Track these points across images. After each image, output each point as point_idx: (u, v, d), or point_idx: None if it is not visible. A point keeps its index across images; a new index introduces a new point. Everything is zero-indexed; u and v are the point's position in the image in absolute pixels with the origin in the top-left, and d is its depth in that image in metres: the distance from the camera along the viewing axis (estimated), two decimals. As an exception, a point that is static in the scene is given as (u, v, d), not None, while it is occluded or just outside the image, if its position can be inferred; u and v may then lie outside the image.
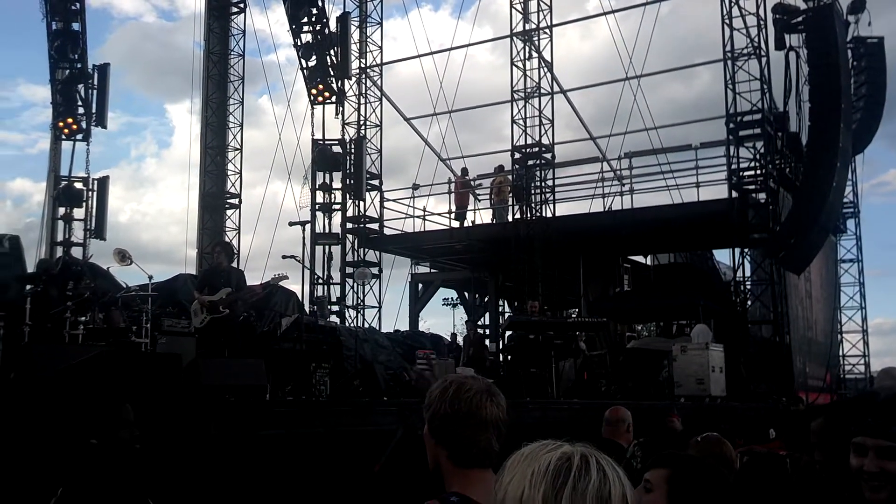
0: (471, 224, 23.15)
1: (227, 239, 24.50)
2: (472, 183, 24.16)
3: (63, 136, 19.26)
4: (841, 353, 27.72)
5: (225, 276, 10.90)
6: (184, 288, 14.46)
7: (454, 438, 2.39)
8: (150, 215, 63.93)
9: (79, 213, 19.26)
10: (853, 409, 2.85)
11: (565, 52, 38.53)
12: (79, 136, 19.12)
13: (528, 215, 20.34)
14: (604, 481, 1.58)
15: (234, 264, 11.86)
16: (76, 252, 18.69)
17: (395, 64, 27.04)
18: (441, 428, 2.42)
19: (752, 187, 18.95)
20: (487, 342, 20.84)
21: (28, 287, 11.32)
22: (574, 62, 38.58)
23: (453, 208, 23.39)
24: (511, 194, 21.65)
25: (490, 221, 22.87)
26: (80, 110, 19.10)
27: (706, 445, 4.43)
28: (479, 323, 24.09)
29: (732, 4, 19.13)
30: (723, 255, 24.96)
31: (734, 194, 18.84)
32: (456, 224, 23.18)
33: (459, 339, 21.95)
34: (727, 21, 19.25)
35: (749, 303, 19.79)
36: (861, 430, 2.38)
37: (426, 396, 2.50)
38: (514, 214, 21.11)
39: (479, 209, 23.77)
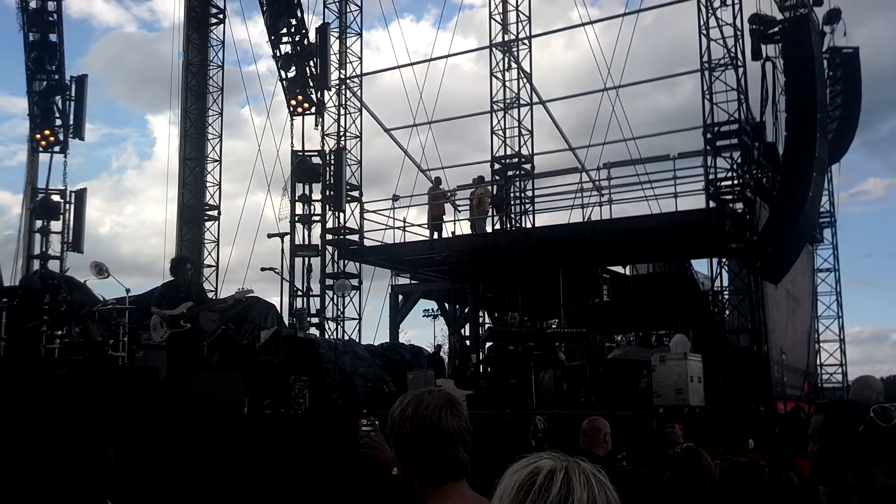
0: (450, 235, 23.16)
1: (206, 251, 24.44)
2: (447, 194, 24.16)
3: (40, 149, 19.15)
4: (818, 363, 27.89)
5: (185, 290, 10.89)
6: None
7: (420, 457, 2.37)
8: (131, 227, 63.62)
9: (56, 225, 19.13)
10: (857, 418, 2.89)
11: (549, 62, 38.72)
12: (56, 149, 19.04)
13: (508, 226, 20.38)
14: (566, 497, 1.58)
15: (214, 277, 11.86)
16: (53, 265, 18.58)
17: (377, 74, 27.11)
18: (406, 448, 2.39)
19: (730, 197, 19.06)
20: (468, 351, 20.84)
21: (3, 301, 11.21)
22: (558, 72, 38.78)
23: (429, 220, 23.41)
24: (491, 205, 21.68)
25: (469, 232, 22.88)
26: (58, 122, 19.01)
27: (684, 456, 4.46)
28: (464, 334, 24.11)
29: (709, 15, 19.27)
30: (701, 265, 25.14)
31: (712, 204, 18.94)
32: (434, 235, 23.18)
33: (442, 352, 21.95)
34: (704, 32, 19.36)
35: (727, 312, 19.89)
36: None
37: (388, 419, 2.48)
38: (493, 225, 21.15)
39: (458, 220, 23.78)
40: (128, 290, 11.96)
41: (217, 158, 25.03)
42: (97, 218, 61.95)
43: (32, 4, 18.34)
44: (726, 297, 19.99)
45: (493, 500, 1.66)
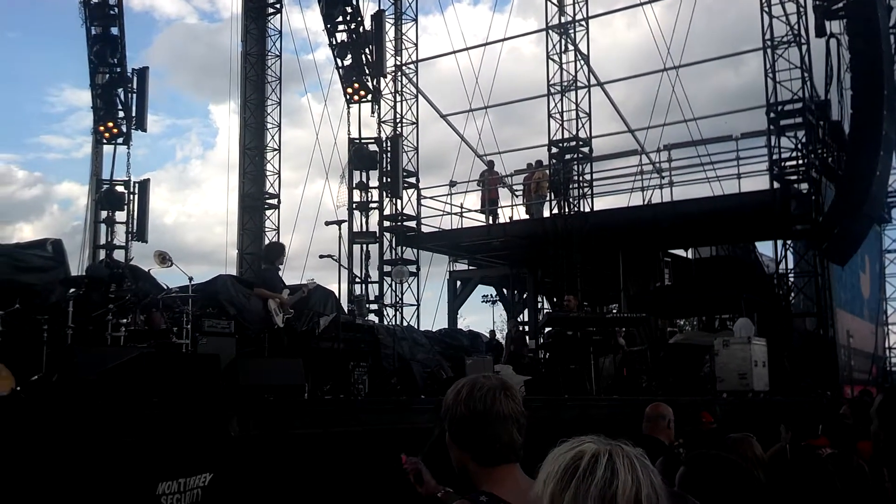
0: (508, 220, 23.07)
1: (266, 239, 24.74)
2: (504, 179, 24.10)
3: (104, 140, 19.55)
4: (887, 346, 27.21)
5: (280, 278, 11.19)
6: (223, 289, 14.56)
7: (475, 439, 2.38)
8: (195, 216, 64.68)
9: (121, 216, 19.51)
10: None
11: (611, 43, 38.12)
12: (119, 140, 19.42)
13: (567, 210, 20.20)
14: (610, 481, 1.57)
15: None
16: (118, 255, 18.98)
17: (435, 60, 27.08)
18: (461, 431, 2.41)
19: (795, 177, 18.65)
20: (527, 339, 20.76)
21: (71, 290, 11.46)
22: (621, 52, 38.27)
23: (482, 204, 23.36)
24: (549, 189, 21.50)
25: (526, 217, 22.77)
26: (121, 114, 19.37)
27: (731, 445, 4.39)
28: (521, 320, 24.05)
29: (771, -9, 18.85)
30: (765, 248, 24.65)
31: (776, 185, 18.55)
32: (490, 220, 23.13)
33: (499, 336, 21.89)
34: (766, 9, 18.97)
35: (792, 295, 19.48)
36: None
37: (442, 403, 2.49)
38: (551, 209, 20.98)
39: (515, 205, 23.67)
40: (191, 279, 12.14)
41: (276, 147, 25.29)
42: (163, 208, 63.16)
43: (94, -1, 18.68)
44: (792, 279, 19.57)
45: (537, 485, 1.65)
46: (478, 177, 23.96)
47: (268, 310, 10.82)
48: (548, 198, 21.58)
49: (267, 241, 24.71)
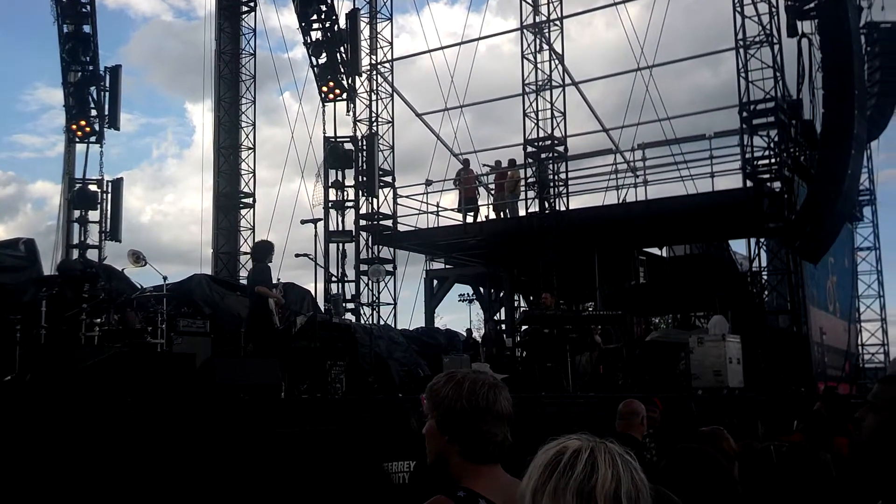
0: (484, 219, 23.09)
1: (241, 239, 24.63)
2: (479, 178, 24.12)
3: (76, 139, 19.38)
4: (859, 343, 27.51)
5: (271, 277, 11.39)
6: (198, 288, 14.50)
7: (470, 434, 2.37)
8: (171, 215, 64.19)
9: (94, 215, 19.36)
10: None
11: (590, 42, 38.21)
12: (92, 139, 19.25)
13: (543, 208, 20.25)
14: (589, 475, 1.59)
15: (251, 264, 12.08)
16: (92, 254, 18.82)
17: (411, 59, 27.04)
18: (456, 424, 2.39)
19: (767, 176, 18.81)
20: (504, 336, 20.81)
21: (43, 290, 11.36)
22: (600, 51, 38.37)
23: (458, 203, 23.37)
24: (524, 188, 21.54)
25: (501, 216, 22.80)
26: (93, 112, 19.20)
27: (703, 440, 4.40)
28: (497, 319, 24.08)
29: (744, -8, 19.00)
30: (739, 246, 24.83)
31: (749, 184, 18.70)
32: (468, 219, 23.13)
33: (476, 335, 21.92)
34: (738, 9, 19.11)
35: (766, 293, 19.65)
36: None
37: (431, 393, 2.47)
38: (527, 208, 21.04)
39: (491, 204, 23.70)
40: (165, 278, 12.10)
41: (251, 146, 25.15)
42: (138, 207, 62.42)
43: (65, -4, 18.49)
44: (765, 277, 19.75)
45: (524, 480, 1.68)
46: (453, 175, 23.96)
47: (269, 309, 10.81)
48: (521, 196, 21.61)
49: (242, 241, 24.63)
